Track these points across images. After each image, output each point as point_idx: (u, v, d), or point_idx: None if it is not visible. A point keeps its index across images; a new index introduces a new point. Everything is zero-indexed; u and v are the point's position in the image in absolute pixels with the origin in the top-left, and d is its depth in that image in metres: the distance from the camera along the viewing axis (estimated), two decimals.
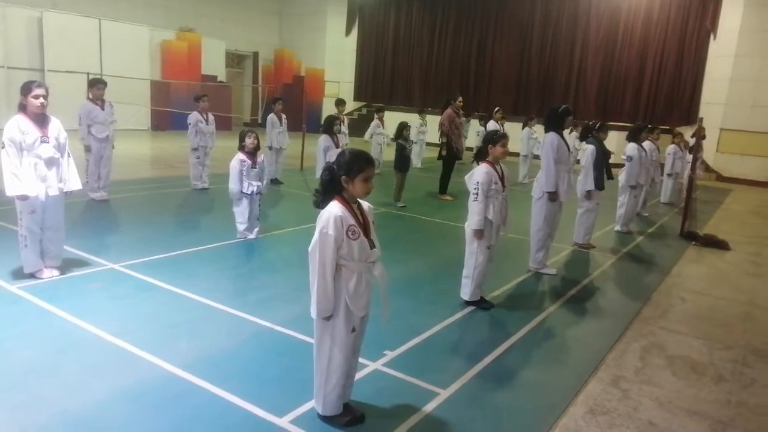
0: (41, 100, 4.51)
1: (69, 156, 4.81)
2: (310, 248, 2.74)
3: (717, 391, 3.64)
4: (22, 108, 4.53)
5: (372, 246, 2.82)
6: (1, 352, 3.46)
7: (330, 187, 2.79)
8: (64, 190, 4.76)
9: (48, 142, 4.56)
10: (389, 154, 11.59)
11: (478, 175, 4.60)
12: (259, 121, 20.69)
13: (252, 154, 6.10)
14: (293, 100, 19.78)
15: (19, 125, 4.45)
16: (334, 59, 22.56)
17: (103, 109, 7.68)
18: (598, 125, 7.20)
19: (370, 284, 2.84)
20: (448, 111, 9.90)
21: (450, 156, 9.92)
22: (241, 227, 6.24)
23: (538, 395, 3.43)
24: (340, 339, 2.80)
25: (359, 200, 2.86)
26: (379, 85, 22.55)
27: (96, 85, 7.73)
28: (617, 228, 8.05)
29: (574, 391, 3.47)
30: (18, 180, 4.44)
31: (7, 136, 4.42)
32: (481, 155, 4.76)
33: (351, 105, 23.36)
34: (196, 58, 19.08)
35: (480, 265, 4.68)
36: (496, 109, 13.58)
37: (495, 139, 4.68)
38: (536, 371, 3.74)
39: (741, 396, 3.60)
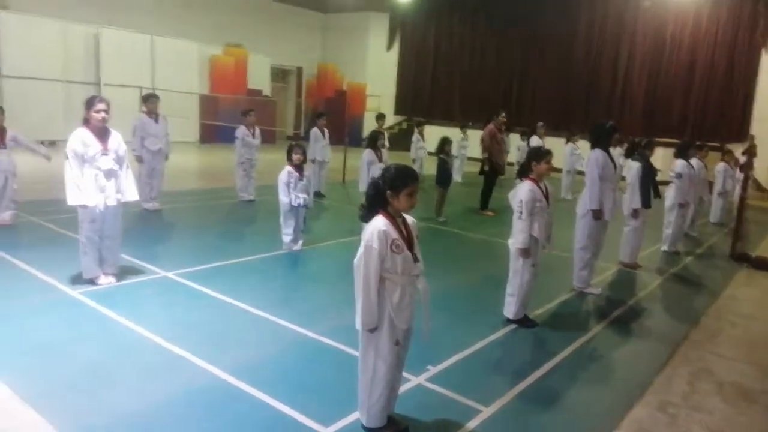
0: (102, 114, 4.76)
1: (128, 167, 5.06)
2: (355, 261, 2.81)
3: None
4: (85, 121, 4.79)
5: (416, 260, 2.88)
6: (62, 354, 3.66)
7: (375, 202, 2.87)
8: (122, 200, 4.99)
9: (108, 155, 4.81)
10: (429, 168, 11.66)
11: (521, 192, 4.60)
12: (302, 134, 21.11)
13: (299, 167, 6.26)
14: (335, 113, 20.10)
15: (83, 138, 4.71)
16: (376, 73, 22.83)
17: (156, 122, 8.01)
18: (644, 142, 7.09)
19: (413, 297, 2.89)
20: (490, 126, 9.91)
21: (491, 171, 9.91)
22: (287, 239, 6.40)
23: (581, 418, 3.40)
24: (384, 351, 2.86)
25: (403, 214, 2.92)
26: (420, 100, 22.66)
27: (150, 99, 8.07)
28: (664, 248, 7.87)
29: (620, 415, 3.43)
30: (79, 190, 4.70)
31: (71, 148, 4.68)
32: (524, 172, 4.75)
33: (391, 119, 23.55)
34: (243, 72, 19.62)
35: (525, 283, 4.67)
36: (539, 124, 13.49)
37: (539, 155, 4.69)
38: (580, 393, 3.71)
39: None
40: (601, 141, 5.75)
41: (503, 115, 10.12)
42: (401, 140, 17.86)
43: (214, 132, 18.53)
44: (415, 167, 12.31)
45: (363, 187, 7.30)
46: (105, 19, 16.55)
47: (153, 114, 8.02)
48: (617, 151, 11.96)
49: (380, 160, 7.24)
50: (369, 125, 22.88)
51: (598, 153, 5.68)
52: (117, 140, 4.93)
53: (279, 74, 22.75)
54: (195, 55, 18.48)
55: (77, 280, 4.92)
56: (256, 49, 20.39)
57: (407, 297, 2.85)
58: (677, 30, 17.00)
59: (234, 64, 19.25)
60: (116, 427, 2.92)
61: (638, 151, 6.93)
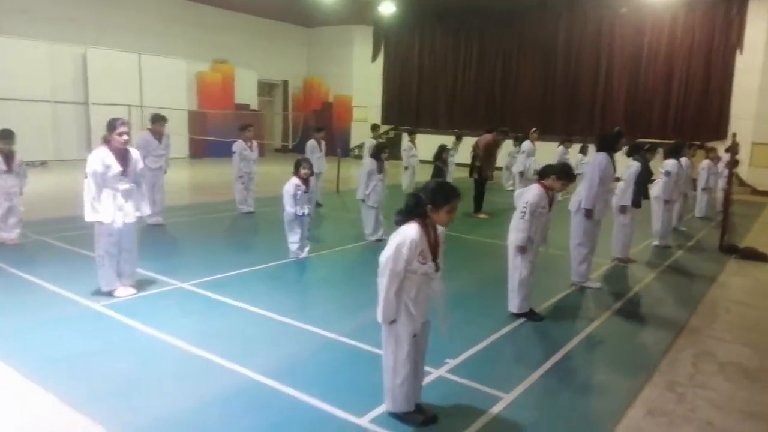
0: (125, 137, 4.91)
1: (142, 183, 5.21)
2: (382, 258, 2.99)
3: None
4: (106, 141, 4.92)
5: (437, 269, 3.08)
6: (96, 362, 3.79)
7: (413, 212, 3.02)
8: (138, 215, 5.14)
9: (127, 176, 4.96)
10: (421, 175, 11.89)
11: (529, 195, 4.81)
12: (290, 146, 21.29)
13: (305, 180, 6.46)
14: (323, 125, 20.31)
15: (103, 160, 4.84)
16: (361, 85, 23.11)
17: (160, 142, 8.14)
18: (648, 146, 7.39)
19: (428, 295, 3.10)
20: (488, 137, 10.15)
21: (480, 178, 10.21)
22: (293, 247, 6.56)
23: (597, 399, 3.62)
24: (403, 340, 3.04)
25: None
26: (406, 109, 22.96)
27: (158, 121, 8.20)
28: (655, 243, 8.17)
29: (632, 394, 3.65)
30: (96, 208, 4.84)
31: (91, 168, 4.82)
32: (542, 176, 4.94)
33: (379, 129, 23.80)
34: (230, 87, 19.77)
35: (524, 278, 4.88)
36: (533, 130, 13.68)
37: (564, 175, 4.88)
38: (593, 378, 3.93)
39: None
40: (607, 145, 6.01)
41: (505, 131, 10.40)
42: (389, 149, 18.06)
43: (204, 147, 18.64)
44: (407, 175, 12.58)
45: (361, 194, 7.48)
46: (92, 39, 16.63)
47: (158, 134, 8.15)
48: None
49: (380, 171, 7.44)
50: (356, 136, 23.15)
51: (603, 156, 5.93)
52: (135, 159, 5.08)
53: (265, 88, 22.93)
54: (182, 72, 18.61)
55: (96, 293, 5.04)
56: (243, 64, 20.57)
57: (422, 294, 3.05)
58: (655, 35, 17.54)
59: (221, 79, 19.40)
60: (162, 427, 3.06)
61: (640, 153, 7.18)
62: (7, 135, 6.62)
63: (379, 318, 3.03)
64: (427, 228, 3.03)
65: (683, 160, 8.42)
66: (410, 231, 2.98)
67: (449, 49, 21.68)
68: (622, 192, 7.00)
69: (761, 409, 3.55)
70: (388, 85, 23.42)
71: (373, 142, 12.23)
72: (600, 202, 5.91)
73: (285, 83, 23.13)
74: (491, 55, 20.70)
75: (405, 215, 3.05)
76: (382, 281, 2.99)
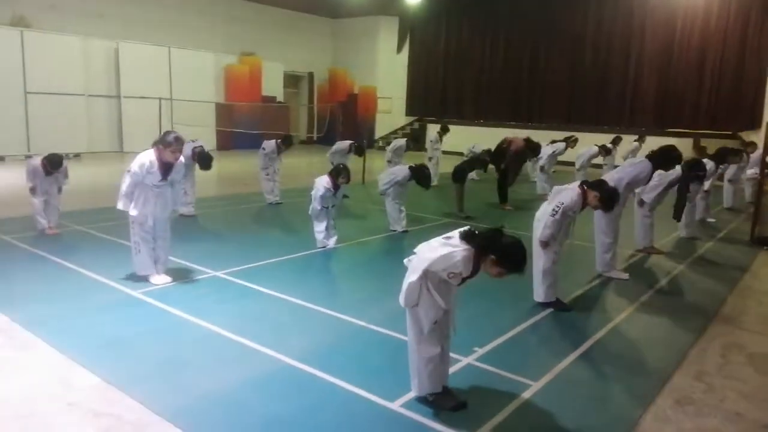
0: (177, 155, 5.07)
1: (176, 183, 5.39)
2: (422, 260, 3.00)
3: None
4: (157, 148, 5.05)
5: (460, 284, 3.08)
6: (138, 346, 3.96)
7: (480, 243, 2.93)
8: (172, 209, 5.34)
9: (166, 183, 5.15)
10: (444, 167, 11.94)
11: (566, 197, 4.81)
12: (315, 138, 21.43)
13: (338, 185, 6.59)
14: (348, 116, 20.44)
15: (149, 167, 5.00)
16: (387, 76, 23.13)
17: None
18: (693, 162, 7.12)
19: (449, 289, 3.15)
20: (520, 142, 10.21)
21: (504, 174, 10.24)
22: (320, 236, 6.69)
23: (625, 387, 3.65)
24: (426, 324, 3.10)
25: None
26: (431, 100, 22.91)
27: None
28: (682, 234, 8.08)
29: (660, 383, 3.68)
30: (129, 201, 5.08)
31: (136, 167, 5.01)
32: (590, 185, 4.91)
33: (403, 120, 23.85)
34: (257, 80, 19.99)
35: (549, 268, 4.91)
36: (572, 138, 13.37)
37: (608, 203, 4.87)
38: (621, 367, 3.96)
39: None
40: (660, 161, 5.99)
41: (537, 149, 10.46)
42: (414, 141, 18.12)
43: (231, 139, 18.92)
44: (431, 165, 12.62)
45: (381, 188, 7.78)
46: (123, 34, 16.99)
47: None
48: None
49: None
50: (381, 127, 23.21)
51: (647, 166, 5.94)
52: (178, 168, 5.23)
53: (291, 80, 23.12)
54: (211, 65, 18.89)
55: (133, 280, 5.23)
56: (270, 56, 20.76)
57: (444, 286, 3.10)
58: (687, 21, 17.14)
59: (248, 72, 19.62)
60: (206, 407, 3.21)
61: (690, 171, 6.92)
62: (56, 164, 6.71)
63: (402, 302, 3.12)
64: (477, 263, 2.97)
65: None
66: (462, 259, 2.91)
67: (476, 39, 21.53)
68: (650, 190, 6.91)
69: None
70: (413, 76, 23.38)
71: (402, 142, 12.34)
72: (621, 200, 5.93)
73: (310, 75, 23.28)
74: (518, 45, 20.49)
75: (471, 239, 2.97)
76: (412, 277, 3.05)
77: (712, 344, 4.37)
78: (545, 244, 4.86)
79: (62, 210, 7.27)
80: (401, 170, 7.74)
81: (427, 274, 3.03)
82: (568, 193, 4.86)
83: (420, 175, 7.59)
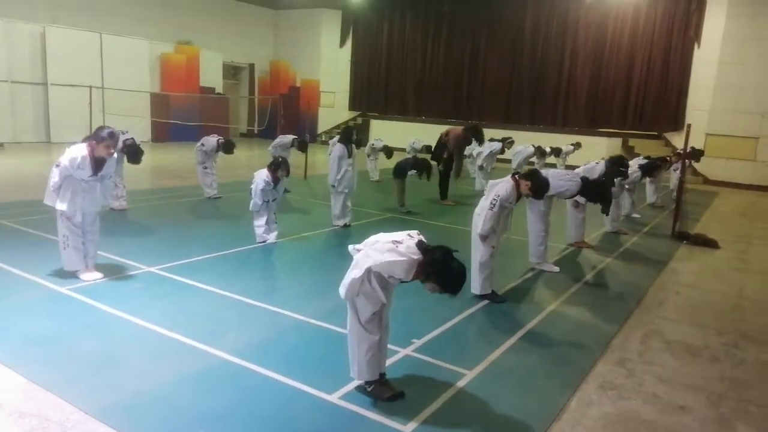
0: (111, 151, 4.90)
1: (106, 179, 5.19)
2: (373, 255, 3.06)
3: (711, 369, 4.07)
4: (89, 143, 4.85)
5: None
6: (69, 345, 3.81)
7: (427, 261, 3.00)
8: (102, 204, 5.15)
9: (96, 179, 4.96)
10: (384, 163, 12.02)
11: (501, 188, 5.01)
12: (255, 131, 21.08)
13: (278, 179, 6.54)
14: (290, 110, 20.22)
15: (80, 162, 4.79)
16: (329, 70, 23.01)
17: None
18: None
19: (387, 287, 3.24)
20: (458, 132, 10.30)
21: (447, 166, 10.40)
22: (260, 230, 6.62)
23: (554, 374, 3.83)
24: (365, 316, 3.18)
25: None
26: (374, 95, 23.02)
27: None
28: (608, 228, 8.51)
29: (586, 370, 3.88)
30: (57, 196, 4.88)
31: (66, 162, 4.80)
32: (522, 176, 5.13)
33: (345, 115, 23.81)
34: (195, 70, 19.44)
35: (485, 262, 5.07)
36: (509, 140, 13.56)
37: (538, 192, 5.15)
38: (549, 355, 4.15)
39: (733, 373, 4.03)
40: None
41: (478, 129, 10.51)
42: (359, 133, 18.12)
43: (167, 131, 18.32)
44: (370, 161, 12.69)
45: (332, 180, 7.56)
46: (50, 18, 16.10)
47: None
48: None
49: (350, 155, 7.51)
50: (323, 121, 23.08)
51: (578, 185, 6.18)
52: (110, 164, 5.05)
53: (231, 71, 22.61)
54: (145, 53, 18.20)
55: (61, 276, 5.02)
56: (208, 46, 20.23)
57: (384, 283, 3.18)
58: (618, 26, 18.00)
59: (185, 61, 19.05)
60: (137, 404, 3.13)
61: (612, 166, 7.43)
62: None
63: (342, 295, 3.17)
64: (417, 274, 3.07)
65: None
66: (407, 268, 3.01)
67: (418, 36, 21.77)
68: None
69: (703, 383, 3.83)
70: (356, 71, 23.40)
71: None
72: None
73: (251, 66, 22.84)
74: (460, 43, 20.88)
75: (424, 252, 3.02)
76: (355, 272, 3.09)
77: (634, 332, 4.65)
78: (485, 238, 5.01)
79: None
80: (335, 146, 7.66)
81: (370, 271, 3.09)
82: (502, 185, 5.05)
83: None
